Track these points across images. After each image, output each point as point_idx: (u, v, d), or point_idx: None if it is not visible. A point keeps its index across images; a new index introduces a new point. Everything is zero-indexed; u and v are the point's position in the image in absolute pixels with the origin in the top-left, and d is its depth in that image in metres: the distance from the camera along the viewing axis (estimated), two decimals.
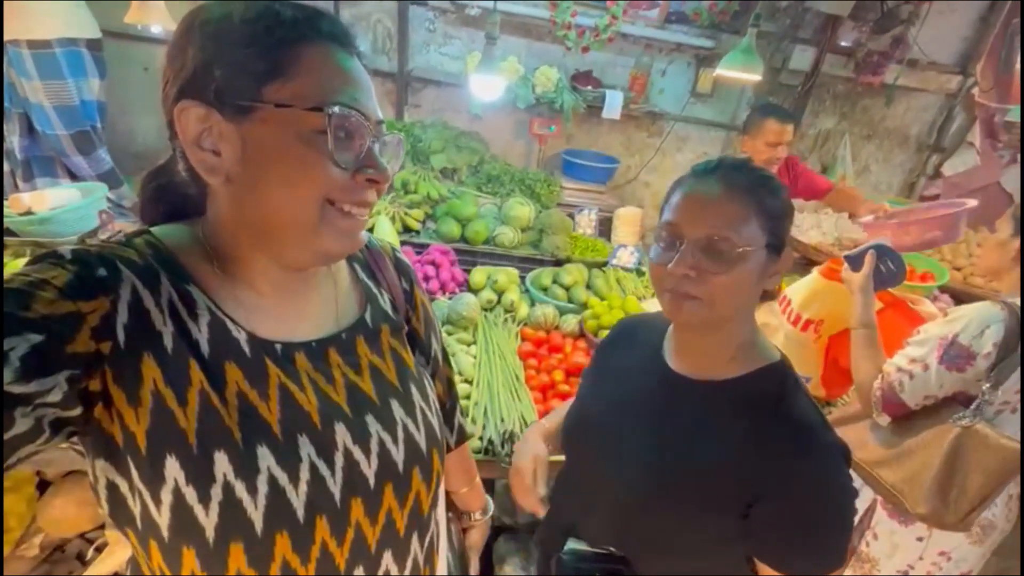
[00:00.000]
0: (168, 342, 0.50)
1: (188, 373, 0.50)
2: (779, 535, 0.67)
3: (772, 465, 0.66)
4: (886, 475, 1.23)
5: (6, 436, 0.41)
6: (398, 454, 0.60)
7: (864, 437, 1.32)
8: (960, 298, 1.92)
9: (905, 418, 1.23)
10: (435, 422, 0.68)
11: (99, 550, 1.43)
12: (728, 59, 2.24)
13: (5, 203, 1.53)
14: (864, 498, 1.34)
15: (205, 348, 0.52)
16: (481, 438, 1.28)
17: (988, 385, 1.12)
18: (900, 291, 1.53)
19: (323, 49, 0.51)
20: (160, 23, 2.00)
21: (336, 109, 0.50)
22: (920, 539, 1.27)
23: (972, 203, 1.62)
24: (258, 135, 0.49)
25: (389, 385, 0.64)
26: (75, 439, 0.50)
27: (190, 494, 0.48)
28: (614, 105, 2.60)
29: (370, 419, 0.60)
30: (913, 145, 3.15)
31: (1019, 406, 1.16)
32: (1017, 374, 1.12)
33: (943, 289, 2.11)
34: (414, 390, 0.66)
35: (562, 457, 0.91)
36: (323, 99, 0.50)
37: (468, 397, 1.41)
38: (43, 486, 1.48)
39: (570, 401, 1.00)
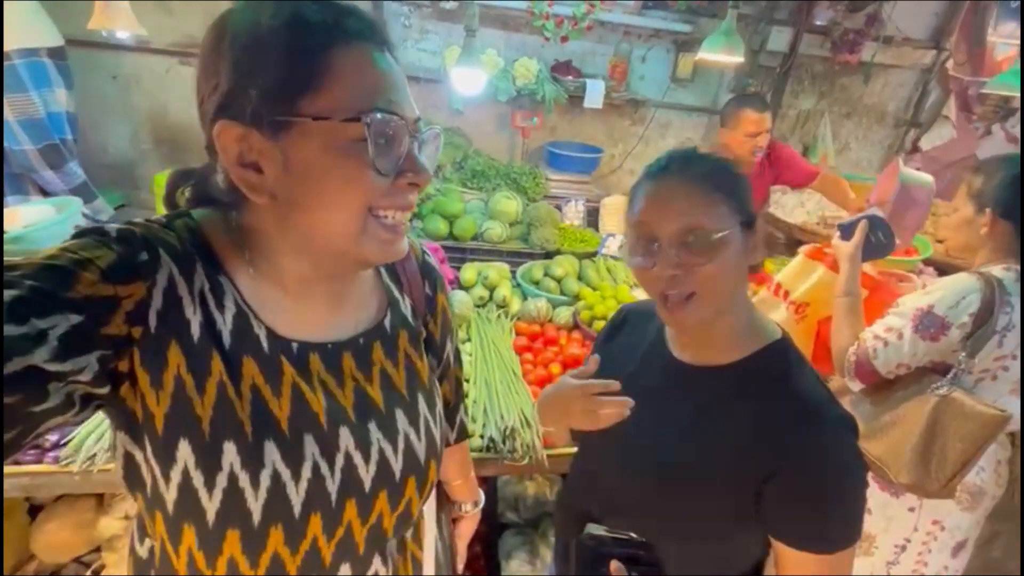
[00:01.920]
0: (195, 330, 0.51)
1: (209, 363, 0.51)
2: (793, 511, 0.67)
3: (782, 442, 0.66)
4: (870, 448, 1.25)
5: (38, 409, 0.42)
6: (396, 464, 0.61)
7: None
8: (944, 270, 1.95)
9: (886, 389, 1.25)
10: (437, 433, 0.68)
11: (96, 574, 1.41)
12: (710, 42, 2.24)
13: None
14: None
15: (227, 340, 0.53)
16: (482, 436, 1.28)
17: (964, 354, 1.15)
18: (886, 264, 1.55)
19: (355, 52, 0.49)
20: (127, 28, 1.92)
21: (375, 116, 0.48)
22: (912, 509, 1.29)
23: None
24: (298, 150, 0.49)
25: (397, 394, 0.64)
26: (101, 411, 0.51)
27: (197, 478, 0.50)
28: (596, 94, 2.58)
29: (373, 427, 0.61)
30: (891, 121, 3.19)
31: (998, 374, 1.18)
32: (992, 343, 1.15)
33: (927, 262, 2.14)
34: (421, 400, 0.67)
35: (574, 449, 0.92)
36: (360, 106, 0.48)
37: (467, 396, 1.40)
38: (34, 512, 1.45)
39: (565, 377, 0.98)
